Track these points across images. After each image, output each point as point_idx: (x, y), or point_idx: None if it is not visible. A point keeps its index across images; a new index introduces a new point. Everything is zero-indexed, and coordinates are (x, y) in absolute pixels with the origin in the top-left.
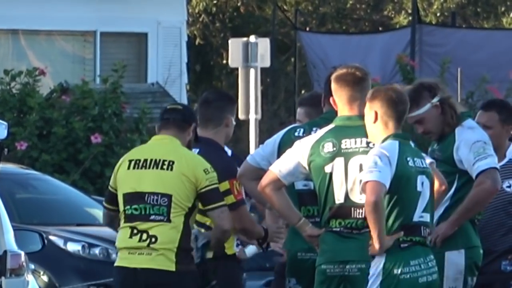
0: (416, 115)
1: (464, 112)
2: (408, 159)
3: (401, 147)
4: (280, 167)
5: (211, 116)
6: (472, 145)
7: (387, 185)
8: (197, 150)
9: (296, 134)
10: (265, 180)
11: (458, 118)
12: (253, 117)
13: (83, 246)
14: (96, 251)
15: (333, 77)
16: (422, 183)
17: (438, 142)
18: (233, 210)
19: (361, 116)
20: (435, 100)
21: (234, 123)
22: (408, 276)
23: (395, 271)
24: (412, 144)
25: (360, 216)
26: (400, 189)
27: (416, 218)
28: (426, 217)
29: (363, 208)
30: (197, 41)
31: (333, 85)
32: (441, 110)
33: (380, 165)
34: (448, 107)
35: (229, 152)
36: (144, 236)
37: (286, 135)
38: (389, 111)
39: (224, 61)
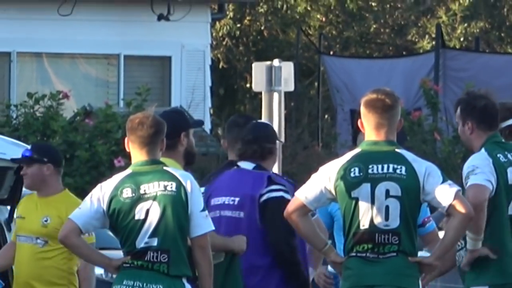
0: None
1: None
2: (125, 191)
3: (125, 179)
4: (306, 194)
5: None
6: None
7: (85, 223)
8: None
9: None
10: (291, 206)
11: None
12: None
13: (105, 270)
14: None
15: (363, 101)
16: (148, 211)
17: None
18: None
19: (388, 142)
20: (504, 124)
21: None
22: None
23: None
24: (159, 174)
25: (386, 242)
26: (117, 222)
27: (140, 244)
28: (153, 242)
29: (389, 234)
30: (221, 64)
31: (362, 109)
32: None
33: (87, 202)
34: None
35: None
36: None
37: None
38: (132, 136)
39: (248, 85)
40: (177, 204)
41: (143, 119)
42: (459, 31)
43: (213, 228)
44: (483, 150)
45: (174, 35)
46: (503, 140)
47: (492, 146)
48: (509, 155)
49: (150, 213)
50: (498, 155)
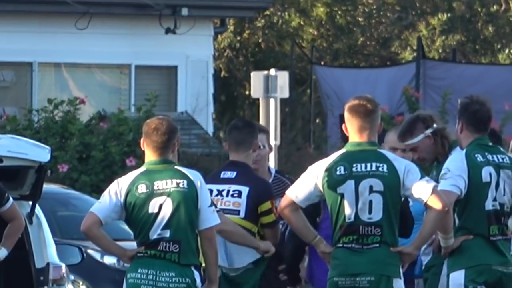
0: (410, 143)
1: (455, 140)
2: (140, 187)
3: (140, 176)
4: (296, 193)
5: (242, 140)
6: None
7: (105, 216)
8: (234, 173)
9: None
10: (283, 203)
11: (451, 147)
12: (273, 143)
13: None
14: None
15: (346, 106)
16: (161, 205)
17: (436, 169)
18: (272, 228)
19: (371, 143)
20: (428, 131)
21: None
22: (132, 280)
23: (127, 275)
24: (171, 172)
25: (369, 233)
26: (132, 215)
27: (153, 235)
28: (166, 233)
29: (372, 226)
30: (222, 73)
31: (346, 114)
32: (433, 140)
33: (106, 197)
34: (440, 138)
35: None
36: None
37: None
38: (147, 140)
39: (247, 92)
40: (188, 199)
41: (158, 125)
42: (438, 43)
43: (219, 221)
44: (464, 150)
45: (180, 47)
46: (490, 144)
47: (474, 147)
48: (488, 156)
49: (163, 207)
50: (476, 155)
